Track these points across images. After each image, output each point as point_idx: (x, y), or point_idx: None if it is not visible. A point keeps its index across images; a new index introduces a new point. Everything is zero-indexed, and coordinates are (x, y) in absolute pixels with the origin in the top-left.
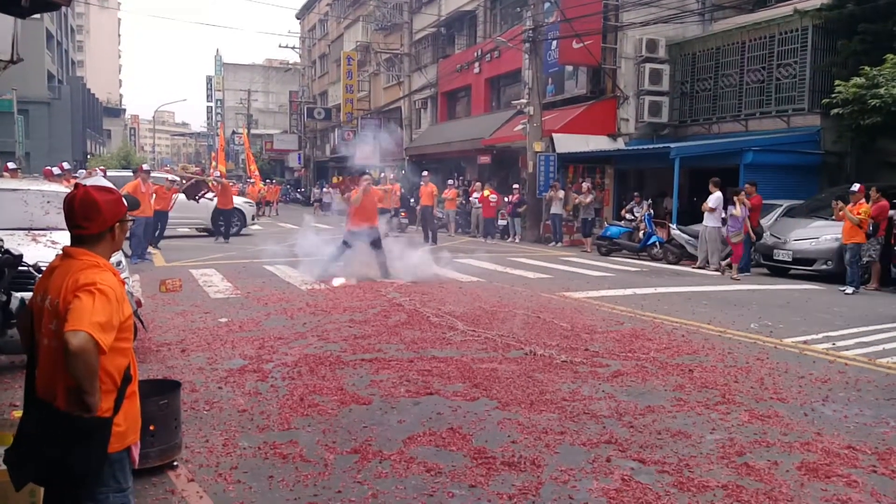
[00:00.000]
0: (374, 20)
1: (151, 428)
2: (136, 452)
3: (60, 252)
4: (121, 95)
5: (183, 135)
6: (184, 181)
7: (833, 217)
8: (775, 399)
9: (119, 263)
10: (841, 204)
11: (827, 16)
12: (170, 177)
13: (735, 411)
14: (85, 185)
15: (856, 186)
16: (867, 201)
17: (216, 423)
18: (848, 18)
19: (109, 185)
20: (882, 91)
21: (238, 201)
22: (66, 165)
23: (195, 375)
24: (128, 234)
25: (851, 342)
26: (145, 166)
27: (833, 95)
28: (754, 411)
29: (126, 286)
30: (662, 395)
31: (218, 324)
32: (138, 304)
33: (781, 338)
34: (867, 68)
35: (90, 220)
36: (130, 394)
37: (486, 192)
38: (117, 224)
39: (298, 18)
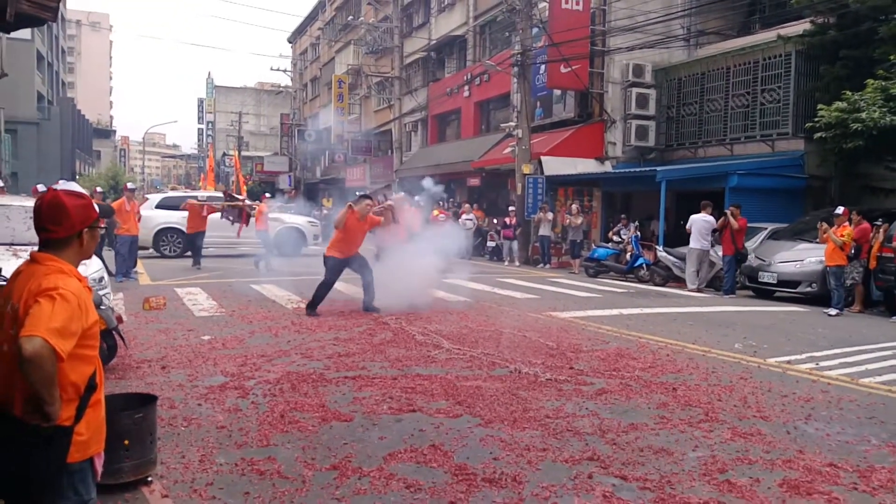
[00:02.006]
0: (366, 44)
1: (126, 442)
2: (99, 464)
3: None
4: (111, 117)
5: (173, 156)
6: (225, 203)
7: (818, 239)
8: (758, 417)
9: (101, 280)
10: (825, 226)
11: (810, 42)
12: (202, 194)
13: (718, 429)
14: (55, 189)
15: (840, 209)
16: (850, 224)
17: (193, 439)
18: (830, 44)
19: (81, 189)
20: (864, 115)
21: (300, 221)
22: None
23: (174, 392)
24: (114, 252)
25: (835, 362)
26: (130, 185)
27: (816, 120)
28: (737, 429)
29: (107, 302)
30: (646, 413)
31: (200, 341)
32: (119, 320)
33: (765, 358)
34: (849, 93)
35: (57, 224)
36: (94, 403)
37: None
38: (86, 230)
39: (290, 42)
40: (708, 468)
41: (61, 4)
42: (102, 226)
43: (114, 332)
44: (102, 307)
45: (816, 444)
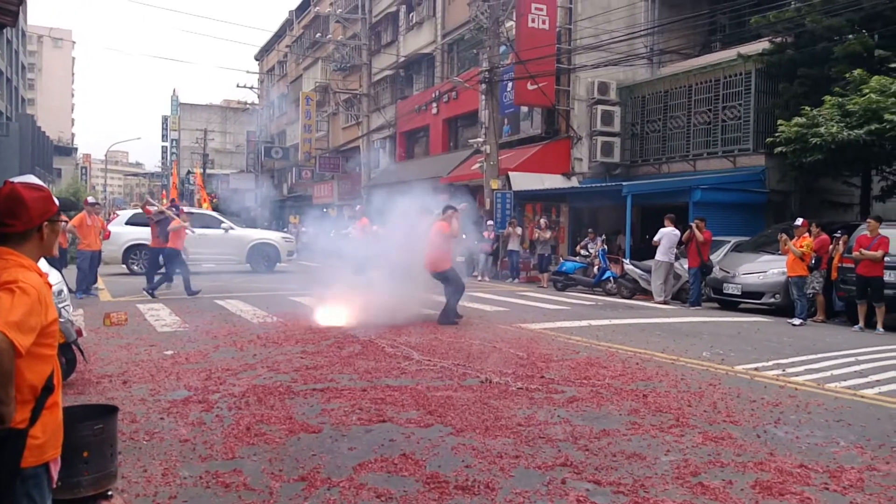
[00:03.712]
0: (334, 61)
1: (85, 454)
2: (55, 470)
3: None
4: (73, 134)
5: (136, 174)
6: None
7: (779, 251)
8: (728, 422)
9: (60, 293)
10: (785, 237)
11: (769, 60)
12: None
13: (689, 434)
14: (11, 182)
15: (799, 221)
16: (810, 235)
17: (156, 452)
18: (788, 63)
19: (40, 182)
20: (822, 130)
21: (274, 236)
22: None
23: (136, 406)
24: (75, 268)
25: (801, 369)
26: (91, 199)
27: (776, 135)
28: (708, 433)
29: (66, 314)
30: (617, 420)
31: (163, 356)
32: (79, 333)
33: (733, 365)
34: (808, 109)
35: (16, 217)
36: (52, 405)
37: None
38: (46, 223)
39: (257, 59)
40: (681, 471)
41: (21, 16)
42: (64, 220)
43: (73, 346)
44: (62, 320)
45: (787, 447)
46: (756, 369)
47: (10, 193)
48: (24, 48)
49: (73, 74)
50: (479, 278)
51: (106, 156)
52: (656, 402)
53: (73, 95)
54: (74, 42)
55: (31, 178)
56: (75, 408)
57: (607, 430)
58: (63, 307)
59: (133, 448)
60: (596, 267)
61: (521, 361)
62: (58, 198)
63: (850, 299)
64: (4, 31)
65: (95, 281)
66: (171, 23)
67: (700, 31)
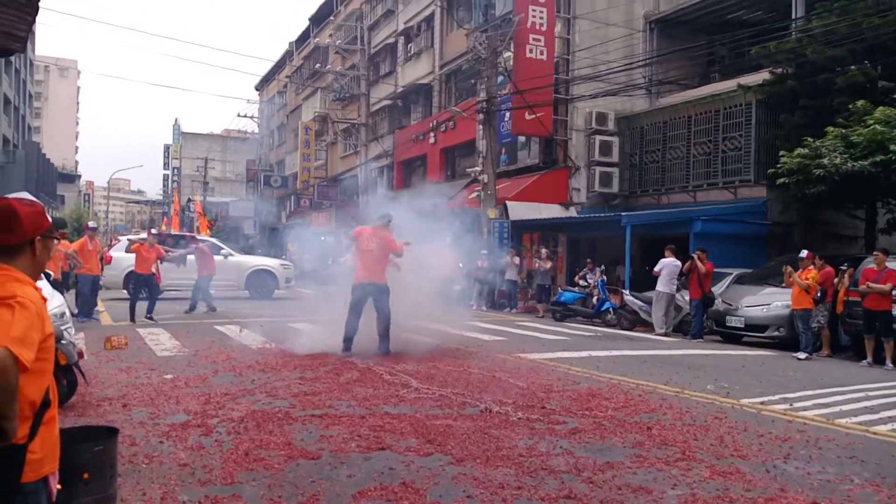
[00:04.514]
0: (333, 91)
1: (85, 476)
2: (53, 484)
3: None
4: (76, 161)
5: (138, 202)
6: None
7: (783, 284)
8: (736, 456)
9: (63, 315)
10: (790, 269)
11: (769, 91)
12: (151, 232)
13: (696, 468)
14: (6, 197)
15: (804, 253)
16: (815, 268)
17: (155, 476)
18: (789, 94)
19: (34, 199)
20: (825, 161)
21: (272, 263)
22: None
23: (135, 430)
24: (75, 293)
25: (808, 403)
26: (91, 224)
27: (778, 166)
28: (715, 468)
29: (68, 336)
30: (621, 452)
31: (163, 380)
32: (80, 355)
33: (738, 398)
34: (810, 140)
35: (9, 231)
36: (49, 420)
37: None
38: (38, 239)
39: (257, 90)
40: None
41: (30, 46)
42: (58, 237)
43: (74, 368)
44: (64, 342)
45: (798, 483)
46: (762, 403)
47: (5, 208)
48: (32, 77)
49: (77, 103)
50: (475, 307)
51: (108, 183)
52: (661, 435)
53: (77, 123)
54: (80, 71)
55: (25, 195)
56: (75, 429)
57: (612, 463)
58: (65, 329)
59: (132, 471)
60: (595, 297)
61: (522, 391)
62: (53, 218)
63: (856, 333)
64: (13, 60)
65: (96, 305)
66: (172, 51)
67: (699, 61)
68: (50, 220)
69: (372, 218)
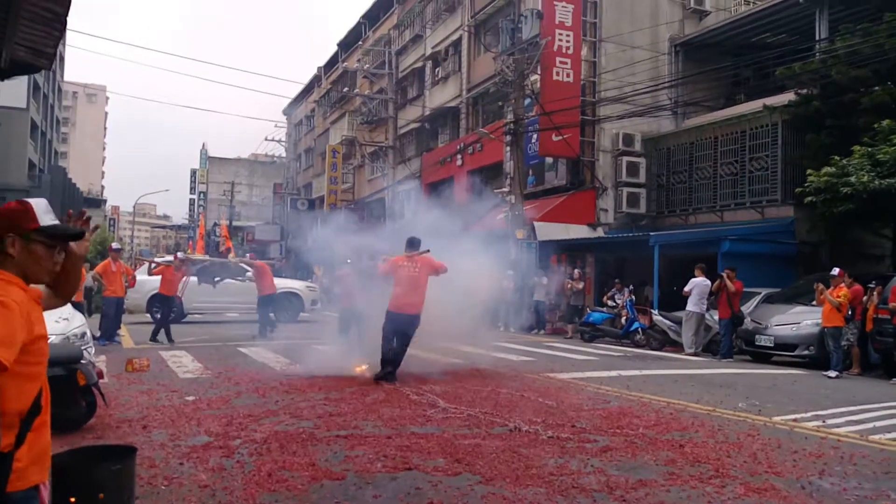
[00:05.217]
0: (360, 115)
1: (101, 496)
2: (45, 494)
3: None
4: (102, 186)
5: (163, 227)
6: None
7: (814, 301)
8: (770, 473)
9: (83, 335)
10: (822, 287)
11: (795, 111)
12: (178, 255)
13: (730, 485)
14: None
15: (835, 270)
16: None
17: (174, 498)
18: (815, 114)
19: (25, 200)
20: (853, 179)
21: (297, 285)
22: None
23: (155, 451)
24: (100, 314)
25: (841, 420)
26: (115, 245)
27: (806, 185)
28: (750, 484)
29: (87, 356)
30: (654, 470)
31: (184, 402)
32: (99, 375)
33: (770, 416)
34: (837, 158)
35: None
36: (39, 426)
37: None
38: (13, 237)
39: (285, 114)
40: None
41: (58, 73)
42: (41, 240)
43: (94, 389)
44: (83, 361)
45: (834, 499)
46: (795, 420)
47: None
48: (60, 103)
49: (105, 129)
50: (503, 329)
51: (134, 208)
52: (693, 453)
53: (104, 149)
54: (108, 97)
55: (26, 199)
56: (92, 448)
57: (644, 481)
58: (85, 349)
59: (151, 493)
60: (623, 318)
61: (551, 410)
62: (65, 229)
63: (886, 351)
64: (42, 86)
65: (119, 328)
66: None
67: (724, 83)
68: (40, 223)
69: (403, 246)
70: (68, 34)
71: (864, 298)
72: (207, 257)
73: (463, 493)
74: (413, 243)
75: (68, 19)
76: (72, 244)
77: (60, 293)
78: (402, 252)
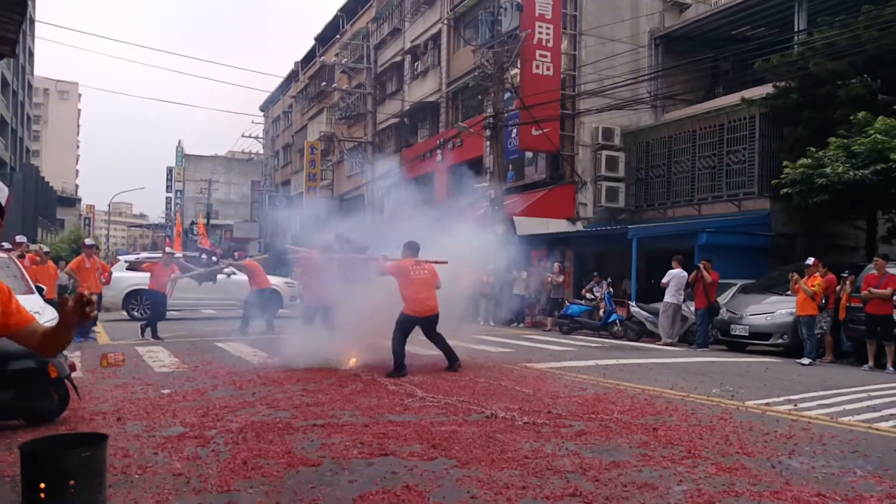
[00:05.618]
0: (339, 110)
1: (71, 483)
2: None
3: None
4: (77, 185)
5: (140, 226)
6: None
7: (789, 291)
8: (741, 453)
9: None
10: (796, 276)
11: (773, 104)
12: (167, 249)
13: (701, 465)
14: None
15: (810, 260)
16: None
17: (148, 486)
18: (792, 106)
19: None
20: (828, 171)
21: (277, 282)
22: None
23: (129, 442)
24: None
25: (812, 404)
26: (88, 241)
27: (782, 177)
28: (721, 464)
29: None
30: (627, 452)
31: (160, 395)
32: (72, 367)
33: (743, 401)
34: (813, 150)
35: None
36: None
37: None
38: None
39: (262, 110)
40: (694, 500)
41: (28, 69)
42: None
43: (66, 381)
44: None
45: (802, 477)
46: (767, 404)
47: None
48: (30, 100)
49: (78, 126)
50: (482, 322)
51: (109, 207)
52: (667, 435)
53: (77, 147)
54: (81, 94)
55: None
56: (63, 436)
57: (617, 462)
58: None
59: (125, 482)
60: (602, 310)
61: (528, 398)
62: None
63: (859, 339)
64: (11, 82)
65: (95, 324)
66: (176, 65)
67: (703, 76)
68: None
69: (402, 250)
70: (39, 28)
71: (838, 288)
72: (198, 269)
73: (438, 477)
74: (413, 247)
75: (36, 8)
76: (65, 311)
77: (48, 354)
78: (387, 249)
